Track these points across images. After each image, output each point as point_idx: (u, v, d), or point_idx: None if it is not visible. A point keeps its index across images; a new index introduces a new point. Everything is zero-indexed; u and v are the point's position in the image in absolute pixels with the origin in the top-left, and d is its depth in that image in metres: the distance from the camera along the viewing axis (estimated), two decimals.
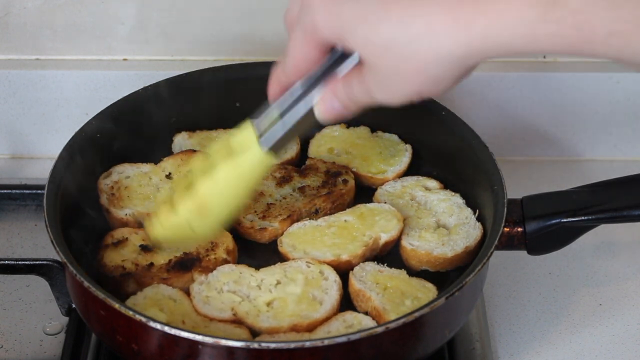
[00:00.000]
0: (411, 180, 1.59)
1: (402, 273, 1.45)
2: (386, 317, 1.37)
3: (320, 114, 1.24)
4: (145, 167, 1.58)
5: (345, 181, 1.58)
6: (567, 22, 1.05)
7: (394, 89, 1.16)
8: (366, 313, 1.40)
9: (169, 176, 1.57)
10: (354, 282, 1.42)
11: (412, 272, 1.46)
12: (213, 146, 1.35)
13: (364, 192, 1.60)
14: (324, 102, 1.23)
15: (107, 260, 1.43)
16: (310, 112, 1.25)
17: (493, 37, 1.08)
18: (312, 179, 1.59)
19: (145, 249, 1.46)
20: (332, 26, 1.16)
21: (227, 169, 1.32)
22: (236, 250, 1.48)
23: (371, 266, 1.45)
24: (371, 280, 1.42)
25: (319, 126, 1.25)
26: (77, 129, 1.54)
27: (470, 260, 1.45)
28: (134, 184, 1.55)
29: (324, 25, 1.16)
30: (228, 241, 1.48)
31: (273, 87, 1.27)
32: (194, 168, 1.36)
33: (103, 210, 1.52)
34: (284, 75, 1.25)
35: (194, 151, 1.60)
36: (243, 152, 1.30)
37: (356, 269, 1.44)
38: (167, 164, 1.58)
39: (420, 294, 1.41)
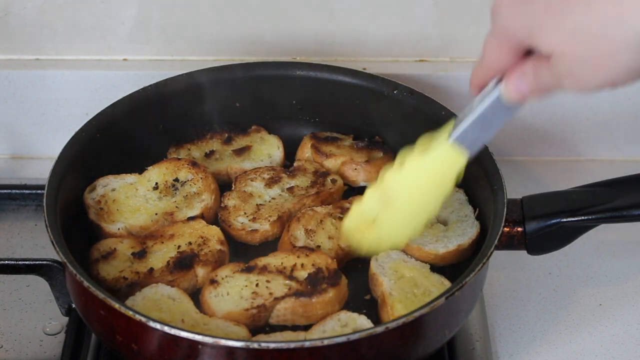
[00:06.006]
0: None
1: (425, 267, 1.46)
2: (389, 301, 1.38)
3: (506, 93, 1.22)
4: (130, 178, 1.57)
5: (334, 180, 1.58)
6: None
7: (584, 77, 1.13)
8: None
9: (156, 187, 1.56)
10: (372, 266, 1.44)
11: (435, 268, 1.46)
12: (413, 150, 1.32)
13: (363, 188, 1.60)
14: (511, 83, 1.21)
15: (104, 274, 1.43)
16: (497, 102, 1.23)
17: None
18: (301, 179, 1.59)
19: (137, 255, 1.46)
20: (521, 26, 1.15)
21: (414, 159, 1.30)
22: (226, 242, 1.49)
23: (397, 255, 1.46)
24: (390, 268, 1.44)
25: (508, 120, 1.26)
26: (77, 129, 1.54)
27: (463, 259, 1.46)
28: (121, 196, 1.55)
29: (514, 28, 1.16)
30: (217, 233, 1.49)
31: (474, 87, 1.27)
32: (387, 171, 1.34)
33: (93, 225, 1.51)
34: (481, 77, 1.24)
35: (179, 159, 1.60)
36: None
37: (381, 254, 1.46)
38: (152, 173, 1.58)
39: (434, 288, 1.41)
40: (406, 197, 1.31)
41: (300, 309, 1.38)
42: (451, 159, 1.28)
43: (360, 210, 1.36)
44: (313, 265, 1.43)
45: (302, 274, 1.42)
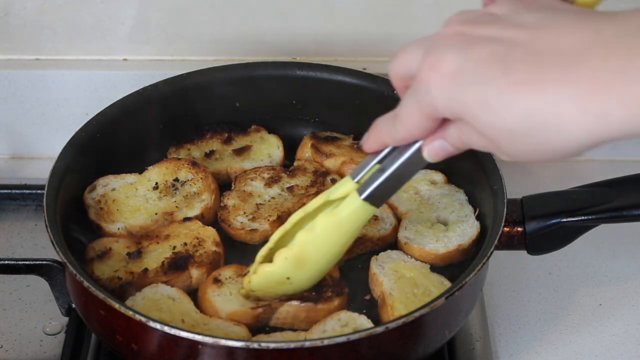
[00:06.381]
0: (418, 174, 1.59)
1: (425, 267, 1.46)
2: (389, 301, 1.38)
3: (429, 156, 1.19)
4: (130, 178, 1.57)
5: (334, 180, 1.58)
6: None
7: (523, 158, 1.08)
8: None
9: (156, 187, 1.56)
10: (372, 266, 1.44)
11: (436, 268, 1.46)
12: (313, 201, 1.35)
13: None
14: (434, 145, 1.17)
15: (98, 274, 1.42)
16: (413, 157, 1.21)
17: (631, 125, 0.99)
18: (301, 179, 1.59)
19: (132, 255, 1.45)
20: (452, 109, 1.09)
21: (326, 218, 1.31)
22: (222, 243, 1.49)
23: (397, 254, 1.47)
24: (390, 268, 1.44)
25: (419, 171, 1.25)
26: (77, 129, 1.54)
27: (463, 258, 1.46)
28: (121, 196, 1.54)
29: (443, 108, 1.09)
30: (213, 234, 1.49)
31: (372, 144, 1.24)
32: (291, 220, 1.36)
33: (93, 225, 1.51)
34: (391, 140, 1.20)
35: (179, 159, 1.59)
36: (341, 202, 1.30)
37: (381, 254, 1.46)
38: (152, 172, 1.57)
39: (434, 288, 1.41)
40: (319, 256, 1.34)
41: (303, 313, 1.38)
42: (361, 214, 1.29)
43: (271, 273, 1.35)
44: None
45: None
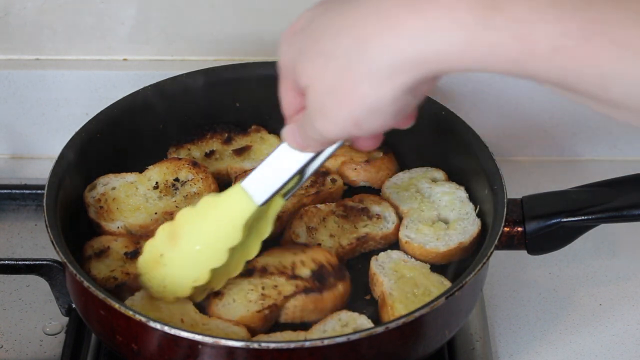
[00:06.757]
0: (419, 171, 1.60)
1: (425, 267, 1.46)
2: (389, 301, 1.38)
3: (286, 137, 1.22)
4: (131, 177, 1.57)
5: (333, 180, 1.58)
6: (508, 31, 0.95)
7: (330, 113, 1.08)
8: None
9: (156, 186, 1.56)
10: (372, 266, 1.44)
11: (436, 268, 1.46)
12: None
13: (362, 188, 1.61)
14: (286, 129, 1.19)
15: (95, 272, 1.42)
16: (285, 148, 1.24)
17: (426, 43, 0.99)
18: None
19: (129, 255, 1.45)
20: (289, 58, 1.11)
21: (207, 197, 1.34)
22: None
23: (397, 254, 1.47)
24: (390, 267, 1.44)
25: (304, 169, 1.26)
26: (77, 129, 1.54)
27: (464, 256, 1.46)
28: (121, 195, 1.54)
29: (284, 61, 1.12)
30: None
31: None
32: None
33: (93, 224, 1.51)
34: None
35: (180, 159, 1.59)
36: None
37: (381, 254, 1.46)
38: (153, 172, 1.57)
39: (434, 288, 1.41)
40: (192, 234, 1.34)
41: (311, 305, 1.38)
42: (240, 204, 1.31)
43: (150, 245, 1.37)
44: (313, 261, 1.43)
45: (305, 272, 1.42)
